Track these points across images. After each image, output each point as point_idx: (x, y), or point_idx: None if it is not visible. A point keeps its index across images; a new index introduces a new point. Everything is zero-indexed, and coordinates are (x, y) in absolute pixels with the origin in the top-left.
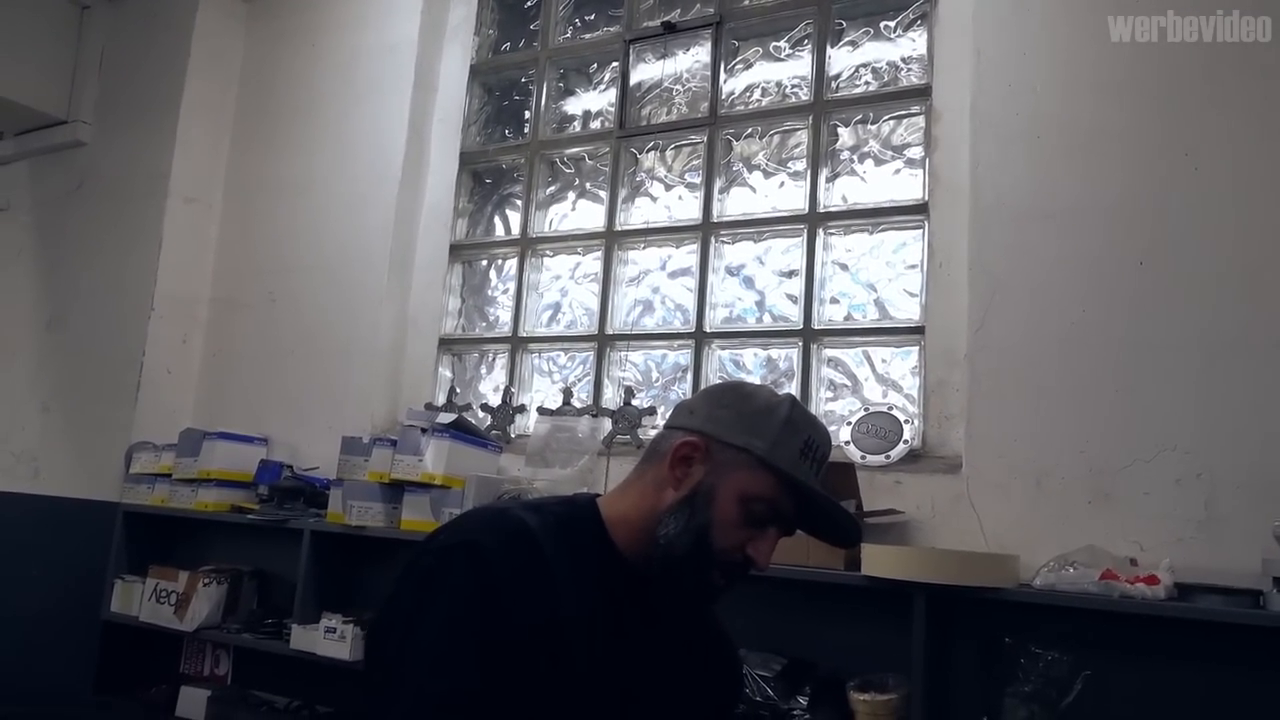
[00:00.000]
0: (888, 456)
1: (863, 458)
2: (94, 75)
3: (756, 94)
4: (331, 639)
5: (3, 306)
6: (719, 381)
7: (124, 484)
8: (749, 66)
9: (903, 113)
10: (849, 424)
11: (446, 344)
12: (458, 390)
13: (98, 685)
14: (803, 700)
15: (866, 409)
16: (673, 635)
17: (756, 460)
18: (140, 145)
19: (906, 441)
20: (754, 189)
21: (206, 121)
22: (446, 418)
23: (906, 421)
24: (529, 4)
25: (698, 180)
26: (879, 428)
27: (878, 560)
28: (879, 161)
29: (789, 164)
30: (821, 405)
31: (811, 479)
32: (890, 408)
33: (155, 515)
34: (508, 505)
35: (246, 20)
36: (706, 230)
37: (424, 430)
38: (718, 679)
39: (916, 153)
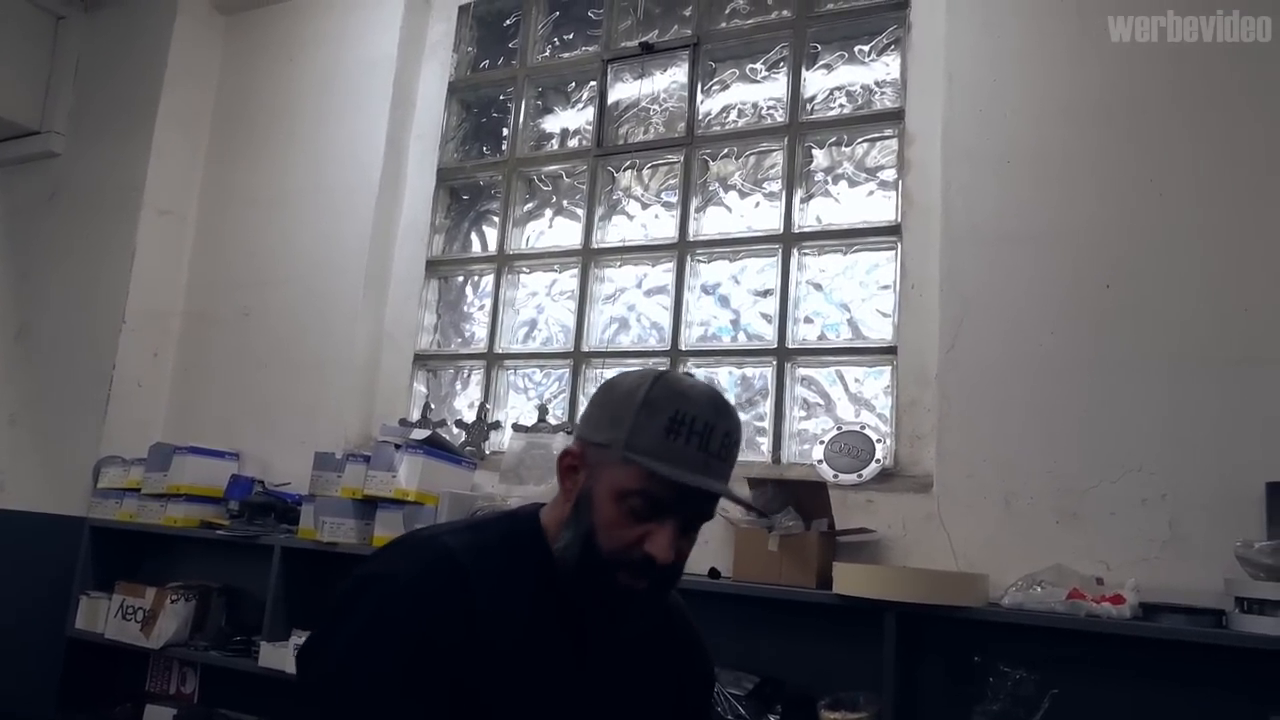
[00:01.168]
0: (860, 475)
1: (835, 476)
2: (68, 85)
3: (733, 115)
4: None
5: None
6: None
7: (91, 498)
8: (726, 88)
9: (876, 135)
10: (822, 443)
11: (422, 360)
12: (432, 406)
13: (61, 703)
14: (774, 718)
15: (839, 428)
16: (634, 642)
17: (619, 454)
18: (114, 156)
19: (878, 460)
20: (730, 209)
21: (182, 133)
22: (421, 434)
23: (879, 441)
24: (508, 22)
25: (674, 199)
26: (851, 446)
27: (849, 579)
28: (853, 183)
29: (764, 184)
30: (795, 424)
31: (687, 456)
32: (863, 427)
33: (123, 530)
34: (435, 529)
35: (224, 32)
36: (682, 249)
37: (398, 446)
38: (685, 681)
39: (889, 175)
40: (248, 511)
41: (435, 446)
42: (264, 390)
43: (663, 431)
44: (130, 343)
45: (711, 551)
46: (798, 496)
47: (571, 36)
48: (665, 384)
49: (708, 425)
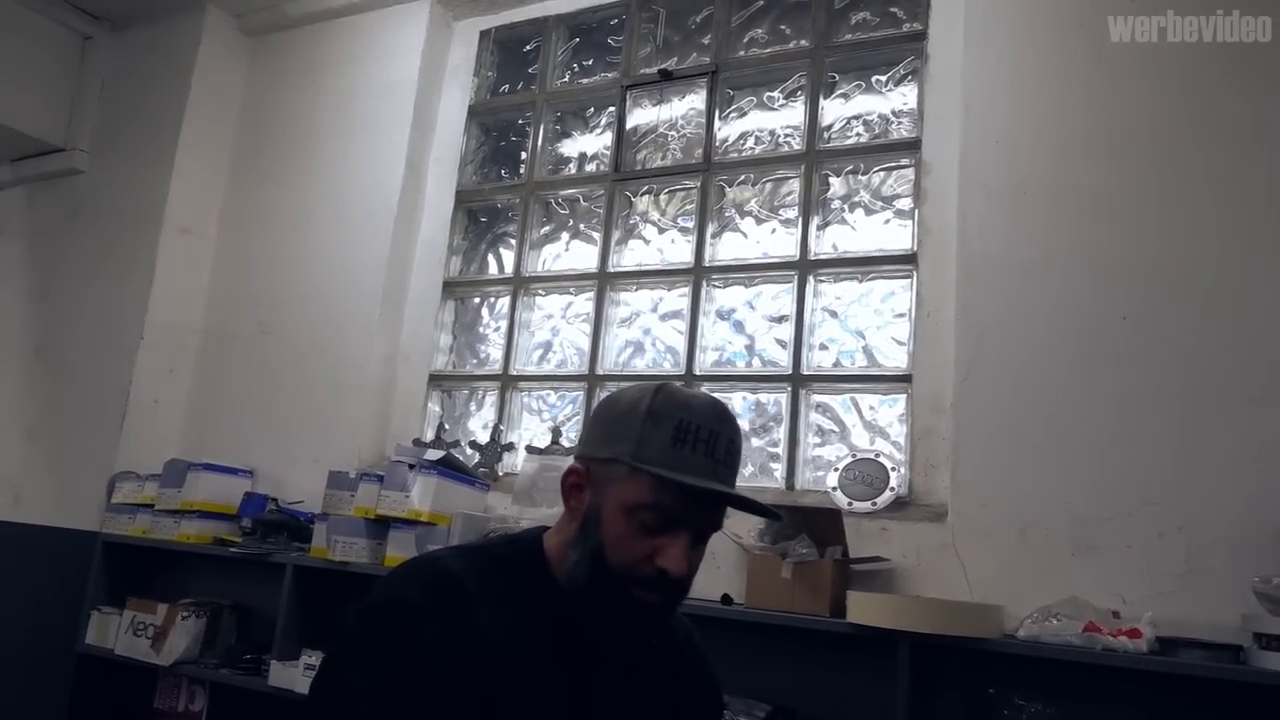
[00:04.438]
0: (874, 503)
1: (850, 504)
2: (94, 104)
3: (750, 142)
4: (311, 676)
5: None
6: None
7: (105, 513)
8: (743, 115)
9: (892, 164)
10: (836, 470)
11: (437, 380)
12: (446, 427)
13: (70, 719)
14: None
15: (854, 455)
16: (636, 667)
17: (626, 467)
18: (137, 175)
19: (893, 489)
20: (745, 234)
21: (204, 153)
22: (434, 454)
23: (893, 469)
24: (528, 47)
25: (690, 224)
26: (866, 474)
27: (862, 608)
28: (869, 211)
29: (780, 211)
30: (809, 451)
31: (695, 464)
32: (877, 454)
33: (136, 546)
34: (439, 554)
35: (249, 55)
36: (698, 274)
37: (411, 466)
38: (691, 706)
39: (906, 204)
40: (260, 529)
41: (449, 467)
42: (279, 408)
43: (669, 441)
44: (148, 359)
45: (724, 578)
46: (811, 523)
47: (591, 62)
48: (667, 394)
49: (713, 433)
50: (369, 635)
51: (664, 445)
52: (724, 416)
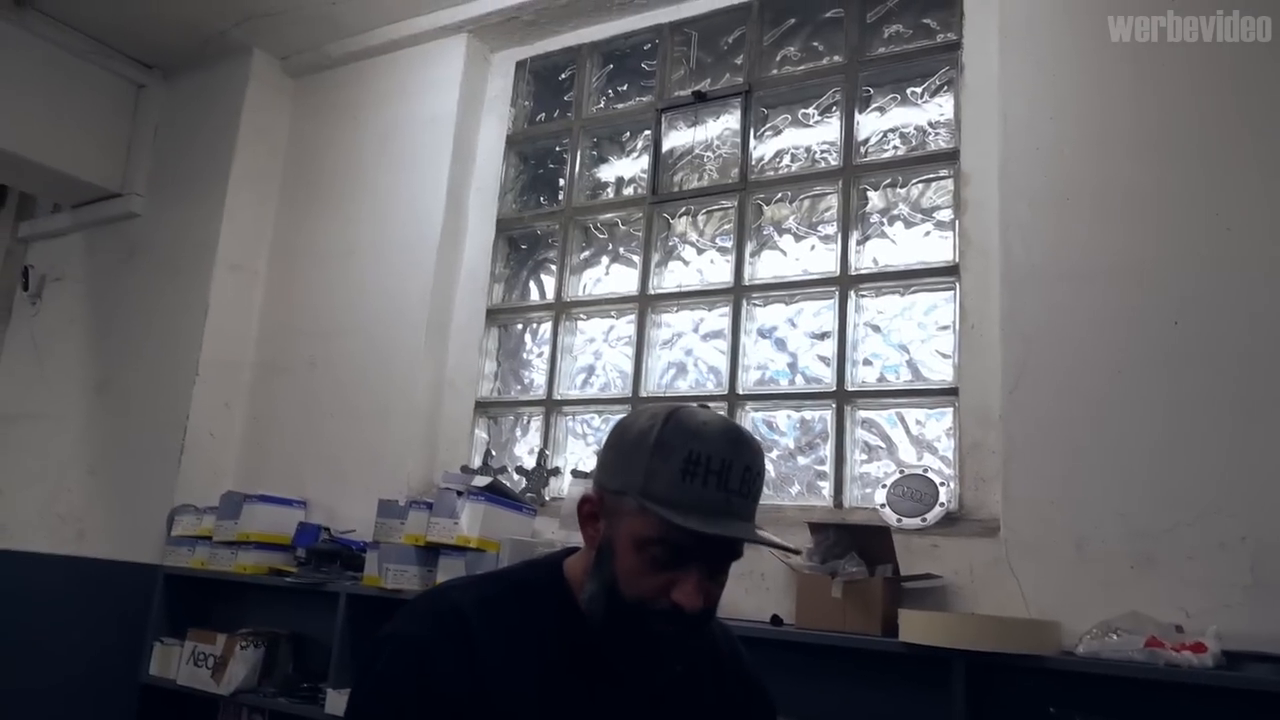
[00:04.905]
0: (924, 519)
1: (899, 520)
2: (148, 149)
3: (786, 159)
4: None
5: (55, 371)
6: None
7: (166, 546)
8: (778, 133)
9: (931, 176)
10: (884, 486)
11: (482, 407)
12: (493, 453)
13: None
14: None
15: (902, 471)
16: (675, 686)
17: (635, 501)
18: (190, 215)
19: (943, 504)
20: (785, 252)
21: (253, 191)
22: (482, 481)
23: (942, 484)
24: (563, 76)
25: (729, 244)
26: (914, 490)
27: (915, 626)
28: (909, 224)
29: (819, 227)
30: (856, 468)
31: (705, 498)
32: (925, 470)
33: (195, 578)
34: (451, 584)
35: (293, 95)
36: (738, 293)
37: (459, 493)
38: (744, 712)
39: (946, 215)
40: (314, 559)
41: (496, 493)
42: (330, 438)
43: (679, 475)
44: (203, 394)
45: (773, 599)
46: (861, 542)
47: (625, 87)
48: (677, 422)
49: (725, 462)
50: (374, 666)
51: (673, 479)
52: (738, 442)
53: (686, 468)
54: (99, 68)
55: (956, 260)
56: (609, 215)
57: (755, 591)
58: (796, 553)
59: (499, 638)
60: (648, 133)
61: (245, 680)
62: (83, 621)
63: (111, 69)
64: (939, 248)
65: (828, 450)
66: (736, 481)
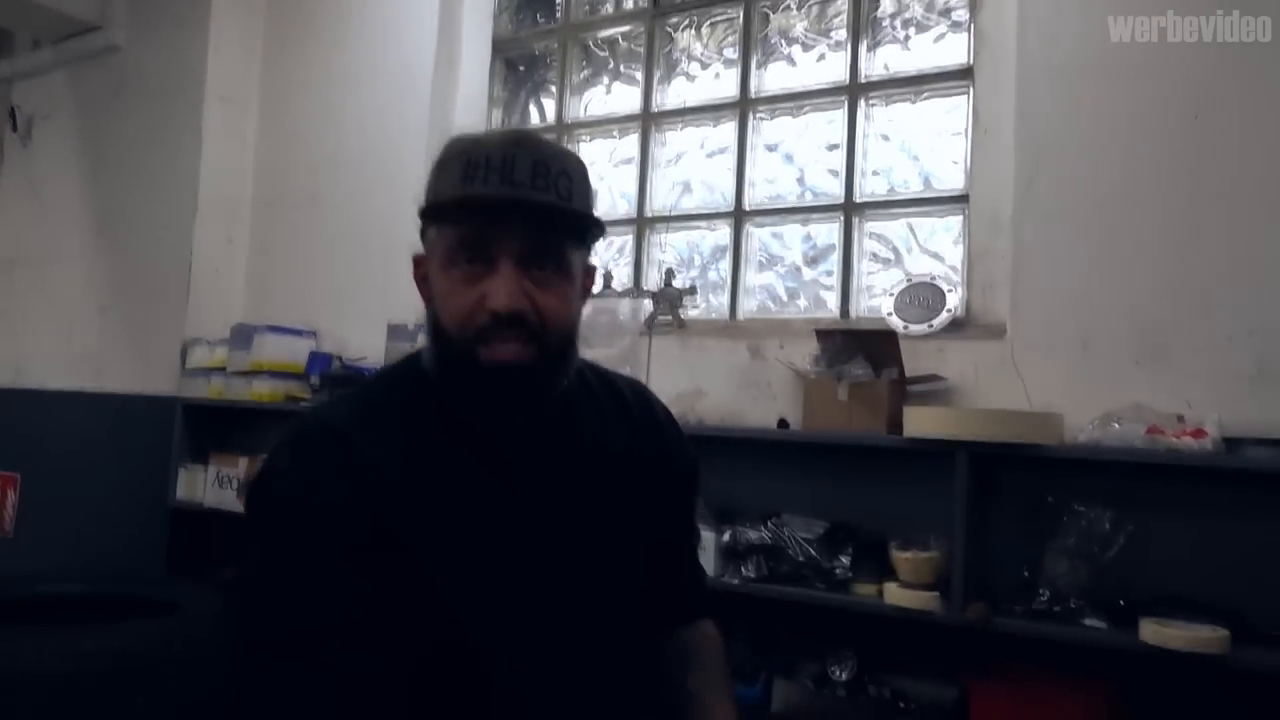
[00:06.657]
0: (930, 325)
1: (905, 327)
2: None
3: None
4: None
5: (57, 211)
6: None
7: (181, 378)
8: None
9: None
10: (891, 295)
11: None
12: None
13: (169, 568)
14: (845, 560)
15: (909, 280)
16: (572, 448)
17: (431, 225)
18: (175, 47)
19: (949, 310)
20: (793, 62)
21: (238, 20)
22: None
23: (949, 290)
24: None
25: (734, 56)
26: (921, 298)
27: (919, 420)
28: (921, 28)
29: (829, 35)
30: (864, 278)
31: (486, 192)
32: (933, 278)
33: (213, 407)
34: (318, 407)
35: None
36: (744, 107)
37: None
38: (660, 467)
39: (961, 15)
40: (328, 384)
41: None
42: (335, 268)
43: (458, 182)
44: (205, 230)
45: (781, 405)
46: (867, 346)
47: None
48: (456, 139)
49: (507, 157)
50: (261, 509)
51: (454, 185)
52: (524, 140)
53: (466, 172)
54: None
55: (970, 62)
56: (609, 31)
57: (762, 399)
58: (602, 228)
59: (377, 439)
60: None
61: None
62: (108, 452)
63: None
64: (953, 50)
65: (835, 262)
66: (525, 174)
